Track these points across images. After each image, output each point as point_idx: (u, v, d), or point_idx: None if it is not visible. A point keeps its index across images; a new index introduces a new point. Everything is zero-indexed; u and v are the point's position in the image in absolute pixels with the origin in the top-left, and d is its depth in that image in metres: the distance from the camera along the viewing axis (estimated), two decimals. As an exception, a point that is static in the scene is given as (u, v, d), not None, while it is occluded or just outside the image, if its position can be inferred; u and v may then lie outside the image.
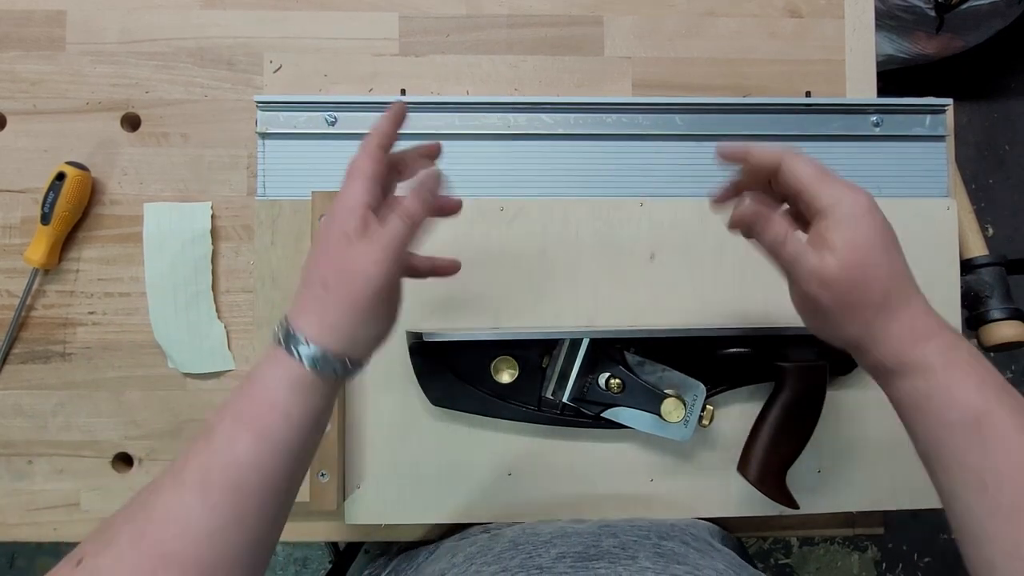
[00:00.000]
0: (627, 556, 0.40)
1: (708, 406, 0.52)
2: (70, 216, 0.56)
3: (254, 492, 0.33)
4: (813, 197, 0.38)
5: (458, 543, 0.51)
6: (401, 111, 0.40)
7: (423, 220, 0.39)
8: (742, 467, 0.51)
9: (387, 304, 0.38)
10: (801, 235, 0.39)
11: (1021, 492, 0.34)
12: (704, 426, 0.52)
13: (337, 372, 0.36)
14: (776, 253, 0.39)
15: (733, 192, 0.42)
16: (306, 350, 0.35)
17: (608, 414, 0.52)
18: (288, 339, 0.36)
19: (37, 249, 0.56)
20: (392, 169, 0.41)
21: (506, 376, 0.52)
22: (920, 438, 0.38)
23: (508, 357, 0.52)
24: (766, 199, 0.40)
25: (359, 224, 0.37)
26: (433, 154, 0.43)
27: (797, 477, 0.55)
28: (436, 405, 0.52)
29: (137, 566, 0.30)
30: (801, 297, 0.40)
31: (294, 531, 0.57)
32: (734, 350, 0.52)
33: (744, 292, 0.56)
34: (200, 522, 0.31)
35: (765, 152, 0.39)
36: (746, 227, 0.40)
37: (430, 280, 0.46)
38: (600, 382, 0.51)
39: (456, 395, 0.52)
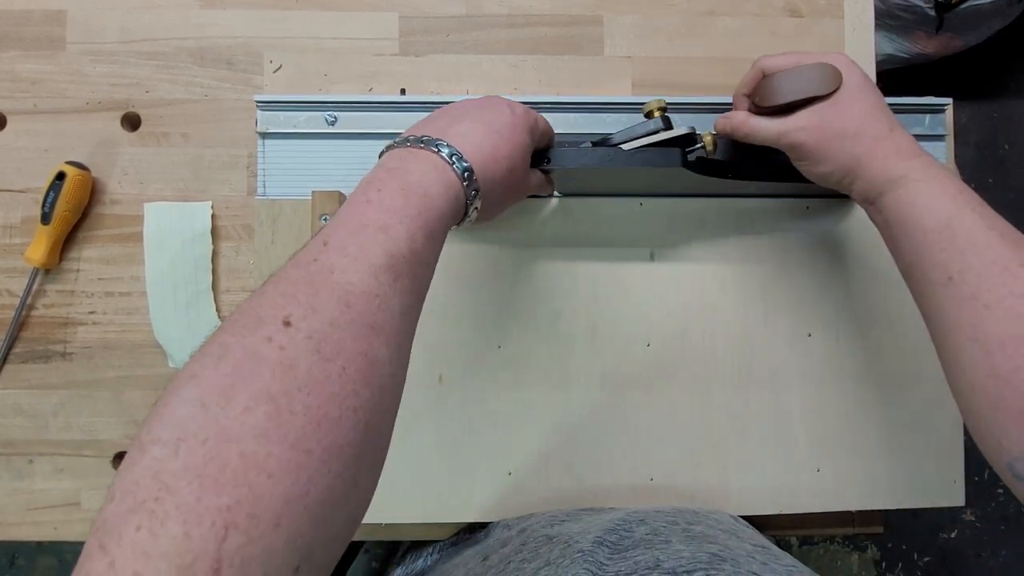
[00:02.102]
0: (661, 541, 0.41)
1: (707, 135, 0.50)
2: (70, 216, 0.56)
3: (423, 285, 0.35)
4: None
5: (485, 543, 0.51)
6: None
7: (545, 133, 0.47)
8: None
9: (520, 162, 0.43)
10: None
11: (980, 280, 0.38)
12: (710, 152, 0.51)
13: (469, 181, 0.38)
14: (750, 132, 0.47)
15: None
16: (449, 149, 0.38)
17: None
18: (431, 142, 0.38)
19: (37, 249, 0.56)
20: None
21: None
22: (902, 249, 0.43)
23: None
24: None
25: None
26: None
27: (797, 476, 0.55)
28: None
29: (354, 334, 0.29)
30: (791, 150, 0.46)
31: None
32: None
33: (744, 291, 0.56)
34: (395, 301, 0.32)
35: (747, 81, 0.49)
36: (729, 133, 0.49)
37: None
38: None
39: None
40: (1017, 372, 0.36)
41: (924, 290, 0.41)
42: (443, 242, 0.38)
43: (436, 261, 0.37)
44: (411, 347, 0.34)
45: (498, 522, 0.54)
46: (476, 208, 0.40)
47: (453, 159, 0.38)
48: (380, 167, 0.37)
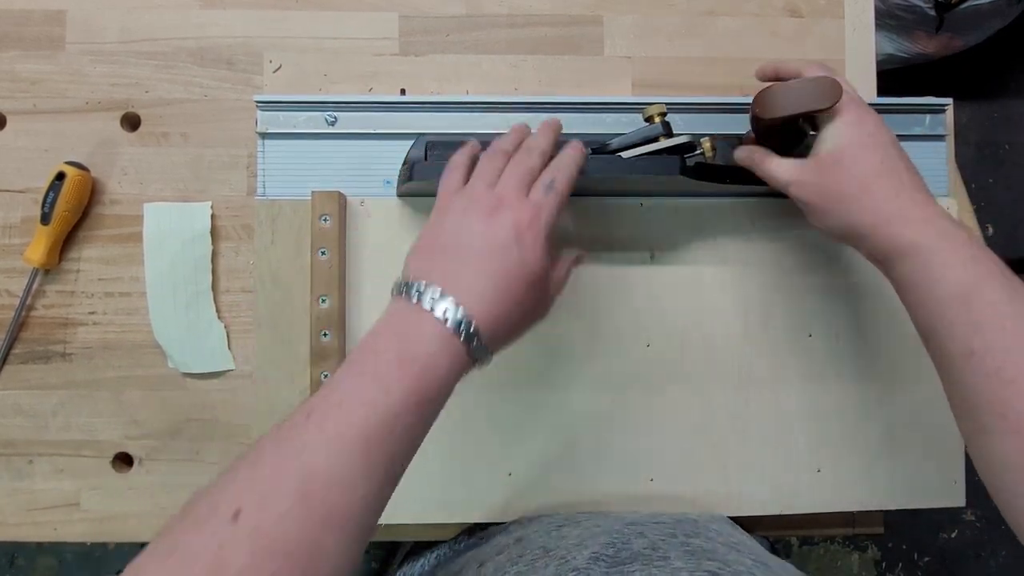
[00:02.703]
0: (659, 556, 0.40)
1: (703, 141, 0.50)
2: (70, 216, 0.56)
3: (405, 457, 0.34)
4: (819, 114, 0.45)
5: (482, 549, 0.51)
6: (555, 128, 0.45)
7: (568, 194, 0.41)
8: None
9: (538, 288, 0.39)
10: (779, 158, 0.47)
11: (1005, 355, 0.36)
12: (709, 158, 0.50)
13: (477, 346, 0.36)
14: (764, 174, 0.47)
15: (773, 74, 0.49)
16: (454, 312, 0.35)
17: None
18: (434, 301, 0.35)
19: (37, 249, 0.56)
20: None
21: None
22: (918, 316, 0.41)
23: None
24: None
25: (505, 196, 0.39)
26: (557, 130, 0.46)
27: (797, 476, 0.55)
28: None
29: (305, 526, 0.29)
30: (797, 202, 0.46)
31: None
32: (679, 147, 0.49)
33: (744, 292, 0.56)
34: (361, 486, 0.31)
35: (790, 67, 0.48)
36: (746, 165, 0.49)
37: None
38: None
39: None
40: None
41: (943, 359, 0.40)
42: (444, 402, 0.36)
43: (431, 422, 0.36)
44: (373, 530, 0.33)
45: (498, 525, 0.54)
46: (486, 363, 0.38)
47: (461, 328, 0.35)
48: (386, 325, 0.36)
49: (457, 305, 0.35)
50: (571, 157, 0.43)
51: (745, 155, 0.49)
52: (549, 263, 0.40)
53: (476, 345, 0.36)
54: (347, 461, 0.31)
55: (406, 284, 0.37)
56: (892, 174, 0.42)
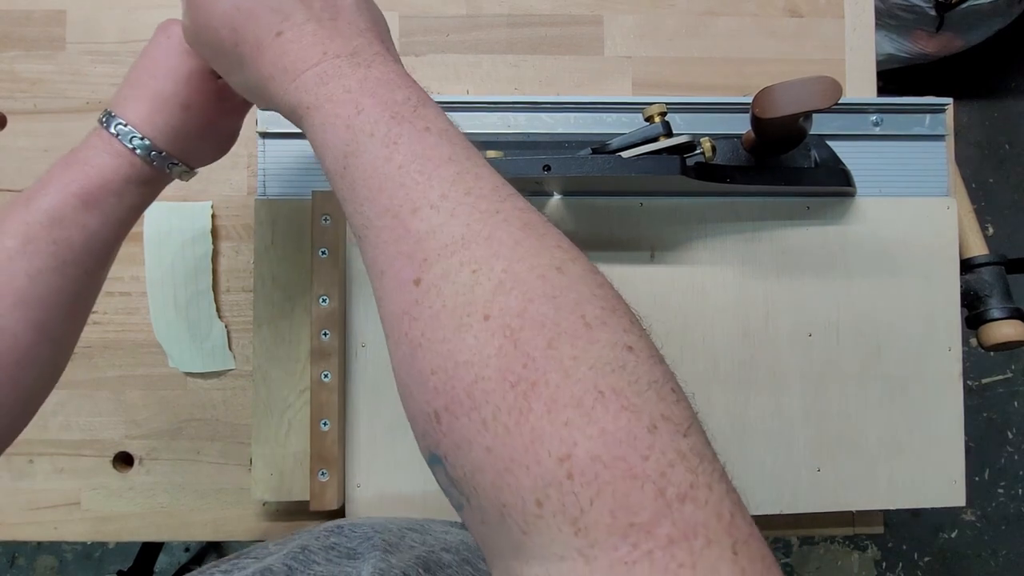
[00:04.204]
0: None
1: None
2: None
3: (73, 245, 0.37)
4: None
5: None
6: None
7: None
8: None
9: (196, 94, 0.39)
10: None
11: (377, 241, 0.28)
12: (709, 158, 0.50)
13: (135, 140, 0.38)
14: None
15: None
16: (124, 133, 0.38)
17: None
18: (110, 121, 0.38)
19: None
20: None
21: None
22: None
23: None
24: None
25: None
26: None
27: (797, 476, 0.55)
28: None
29: None
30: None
31: (293, 531, 0.57)
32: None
33: (744, 292, 0.56)
34: (19, 262, 0.35)
35: None
36: None
37: None
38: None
39: None
40: (401, 366, 0.27)
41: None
42: (122, 203, 0.39)
43: (110, 224, 0.38)
44: (55, 311, 0.37)
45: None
46: (179, 165, 0.41)
47: (133, 142, 0.38)
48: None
49: (123, 122, 0.38)
50: None
51: None
52: (198, 71, 0.38)
53: (151, 155, 0.38)
54: (9, 244, 0.35)
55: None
56: (271, 9, 0.31)
